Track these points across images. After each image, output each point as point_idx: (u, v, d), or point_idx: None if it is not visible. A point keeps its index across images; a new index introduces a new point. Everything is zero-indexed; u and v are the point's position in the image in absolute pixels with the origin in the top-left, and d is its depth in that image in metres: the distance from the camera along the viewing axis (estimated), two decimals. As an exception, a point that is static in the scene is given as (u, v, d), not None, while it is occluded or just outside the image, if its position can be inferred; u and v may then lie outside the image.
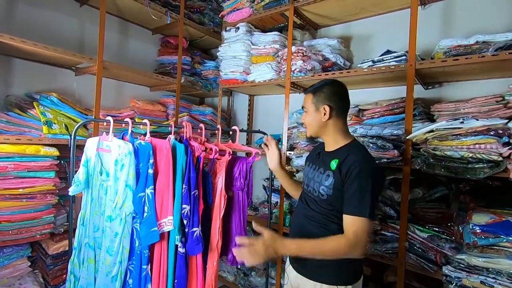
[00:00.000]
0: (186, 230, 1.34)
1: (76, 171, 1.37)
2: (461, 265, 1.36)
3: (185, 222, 1.32)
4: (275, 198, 2.23)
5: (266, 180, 2.48)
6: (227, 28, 2.51)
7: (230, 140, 2.54)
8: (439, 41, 1.59)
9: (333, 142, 1.22)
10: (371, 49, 2.17)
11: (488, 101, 1.49)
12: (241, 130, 1.75)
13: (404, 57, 1.68)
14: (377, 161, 1.64)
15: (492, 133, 1.32)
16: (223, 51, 2.50)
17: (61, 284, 1.82)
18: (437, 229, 1.52)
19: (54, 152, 1.72)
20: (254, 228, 1.12)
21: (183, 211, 1.31)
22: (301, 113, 1.78)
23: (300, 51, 2.03)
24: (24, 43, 1.63)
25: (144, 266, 1.30)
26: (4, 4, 1.89)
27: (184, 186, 1.33)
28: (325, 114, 1.18)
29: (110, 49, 2.34)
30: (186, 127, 1.52)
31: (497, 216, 1.30)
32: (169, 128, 1.53)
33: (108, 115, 1.58)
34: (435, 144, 1.46)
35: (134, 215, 1.30)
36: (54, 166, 1.75)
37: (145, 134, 1.40)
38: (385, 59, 1.75)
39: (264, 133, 1.94)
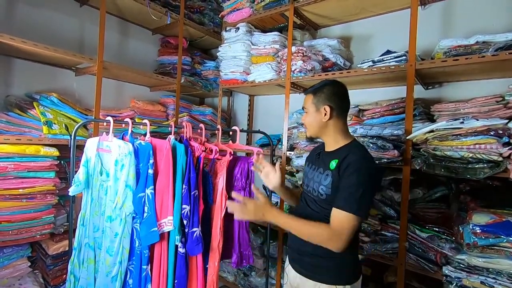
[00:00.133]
0: (186, 230, 1.34)
1: (76, 171, 1.37)
2: (461, 265, 1.36)
3: (185, 222, 1.32)
4: (275, 198, 2.23)
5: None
6: (227, 28, 2.51)
7: (231, 140, 2.54)
8: (439, 41, 1.59)
9: (333, 142, 1.22)
10: (371, 49, 2.17)
11: (488, 101, 1.49)
12: (241, 130, 1.75)
13: (404, 57, 1.68)
14: (377, 161, 1.64)
15: (492, 133, 1.32)
16: (223, 51, 2.50)
17: (61, 284, 1.82)
18: (437, 229, 1.52)
19: (54, 152, 1.72)
20: (253, 189, 1.22)
21: (183, 211, 1.31)
22: (301, 113, 1.78)
23: (300, 51, 2.03)
24: (24, 43, 1.63)
25: (144, 266, 1.30)
26: (4, 4, 1.90)
27: (184, 186, 1.33)
28: (325, 114, 1.18)
29: (110, 49, 2.34)
30: (186, 127, 1.52)
31: (497, 216, 1.30)
32: (169, 128, 1.53)
33: (108, 115, 1.58)
34: (435, 144, 1.46)
35: (134, 215, 1.30)
36: (54, 166, 1.75)
37: (145, 134, 1.40)
38: (385, 59, 1.75)
39: (265, 134, 1.94)
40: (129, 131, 1.38)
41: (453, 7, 1.86)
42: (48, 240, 1.82)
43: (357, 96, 2.13)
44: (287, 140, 2.16)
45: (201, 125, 1.68)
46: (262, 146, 2.48)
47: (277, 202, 2.22)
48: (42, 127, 1.69)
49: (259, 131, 1.99)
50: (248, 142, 2.88)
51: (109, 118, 1.38)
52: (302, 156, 2.05)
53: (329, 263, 1.16)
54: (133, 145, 1.31)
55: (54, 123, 1.73)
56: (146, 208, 1.27)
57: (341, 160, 1.12)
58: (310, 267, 1.19)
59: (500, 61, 1.38)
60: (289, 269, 1.30)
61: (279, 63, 2.21)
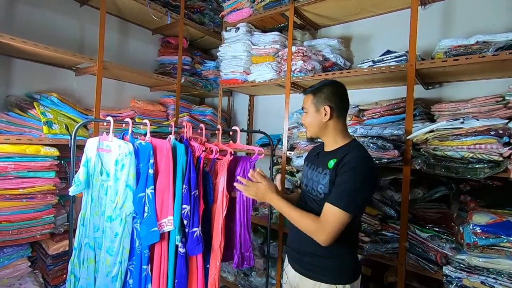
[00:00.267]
0: (187, 230, 1.34)
1: (76, 171, 1.37)
2: (462, 265, 1.36)
3: (185, 222, 1.32)
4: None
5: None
6: (227, 28, 2.51)
7: (231, 140, 2.54)
8: (439, 41, 1.59)
9: (332, 142, 1.22)
10: (371, 49, 2.17)
11: (488, 101, 1.49)
12: (241, 130, 1.75)
13: (404, 57, 1.68)
14: (377, 161, 1.64)
15: (492, 133, 1.32)
16: (223, 51, 2.50)
17: (61, 284, 1.82)
18: (437, 229, 1.52)
19: (54, 152, 1.72)
20: (256, 175, 1.27)
21: (183, 211, 1.31)
22: (301, 113, 1.77)
23: (300, 51, 2.03)
24: (24, 43, 1.63)
25: (144, 266, 1.30)
26: (4, 4, 1.90)
27: (184, 186, 1.33)
28: (325, 114, 1.19)
29: (110, 49, 2.34)
30: (186, 127, 1.52)
31: (497, 216, 1.30)
32: (169, 128, 1.53)
33: (108, 115, 1.58)
34: (436, 144, 1.46)
35: (134, 215, 1.30)
36: (54, 166, 1.75)
37: (145, 134, 1.40)
38: (385, 59, 1.75)
39: (265, 133, 1.94)
40: (129, 131, 1.38)
41: (453, 7, 1.86)
42: (48, 240, 1.83)
43: (357, 96, 2.13)
44: (287, 140, 2.17)
45: (201, 125, 1.68)
46: (262, 146, 2.48)
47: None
48: (42, 127, 1.69)
49: (259, 131, 1.99)
50: (248, 142, 2.88)
51: (109, 118, 1.38)
52: (302, 156, 2.05)
53: (329, 263, 1.16)
54: (133, 145, 1.31)
55: (54, 123, 1.73)
56: (146, 208, 1.27)
57: (339, 159, 1.13)
58: (310, 267, 1.19)
59: (500, 61, 1.38)
60: (288, 268, 1.30)
61: (279, 63, 2.21)
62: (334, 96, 1.20)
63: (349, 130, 1.75)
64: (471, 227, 1.32)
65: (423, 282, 1.67)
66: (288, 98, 2.13)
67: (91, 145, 1.37)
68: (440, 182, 1.70)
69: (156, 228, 1.26)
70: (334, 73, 1.92)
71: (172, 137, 1.42)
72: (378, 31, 2.17)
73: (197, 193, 1.37)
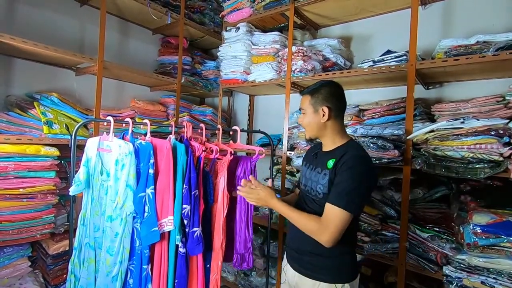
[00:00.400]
0: (187, 230, 1.34)
1: (76, 171, 1.37)
2: (462, 265, 1.36)
3: (185, 222, 1.32)
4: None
5: (266, 180, 2.48)
6: (228, 28, 2.51)
7: (231, 140, 2.54)
8: (439, 41, 1.59)
9: (331, 142, 1.23)
10: (372, 49, 2.17)
11: (489, 101, 1.49)
12: (241, 130, 1.75)
13: (404, 57, 1.68)
14: (377, 161, 1.64)
15: (492, 133, 1.32)
16: (223, 51, 2.50)
17: (62, 284, 1.82)
18: (437, 229, 1.52)
19: (55, 152, 1.72)
20: (252, 181, 1.28)
21: (183, 211, 1.31)
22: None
23: (300, 51, 2.03)
24: (24, 43, 1.63)
25: (145, 266, 1.30)
26: (4, 4, 1.90)
27: (184, 186, 1.33)
28: (324, 115, 1.19)
29: (111, 49, 2.34)
30: (186, 127, 1.52)
31: (497, 216, 1.30)
32: (170, 128, 1.53)
33: (108, 115, 1.58)
34: (436, 144, 1.46)
35: (135, 215, 1.30)
36: (55, 166, 1.76)
37: (145, 134, 1.40)
38: (385, 59, 1.75)
39: (265, 133, 1.94)
40: (130, 131, 1.38)
41: (453, 7, 1.86)
42: (49, 240, 1.83)
43: (357, 96, 2.13)
44: (288, 140, 2.17)
45: (202, 125, 1.68)
46: (262, 146, 2.48)
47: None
48: (42, 127, 1.69)
49: (259, 131, 1.99)
50: (249, 142, 2.88)
51: (109, 118, 1.38)
52: (302, 156, 2.05)
53: (328, 262, 1.16)
54: (133, 144, 1.31)
55: (55, 123, 1.74)
56: (146, 208, 1.27)
57: (338, 159, 1.14)
58: (309, 266, 1.19)
59: (501, 61, 1.38)
60: (287, 267, 1.30)
61: (280, 63, 2.21)
62: (332, 96, 1.20)
63: (349, 130, 1.77)
64: (471, 227, 1.32)
65: (423, 282, 1.68)
66: (288, 98, 2.13)
67: (91, 145, 1.37)
68: (440, 182, 1.70)
69: (157, 228, 1.26)
70: (335, 73, 1.92)
71: (172, 137, 1.42)
72: (378, 31, 2.17)
73: (197, 193, 1.37)
